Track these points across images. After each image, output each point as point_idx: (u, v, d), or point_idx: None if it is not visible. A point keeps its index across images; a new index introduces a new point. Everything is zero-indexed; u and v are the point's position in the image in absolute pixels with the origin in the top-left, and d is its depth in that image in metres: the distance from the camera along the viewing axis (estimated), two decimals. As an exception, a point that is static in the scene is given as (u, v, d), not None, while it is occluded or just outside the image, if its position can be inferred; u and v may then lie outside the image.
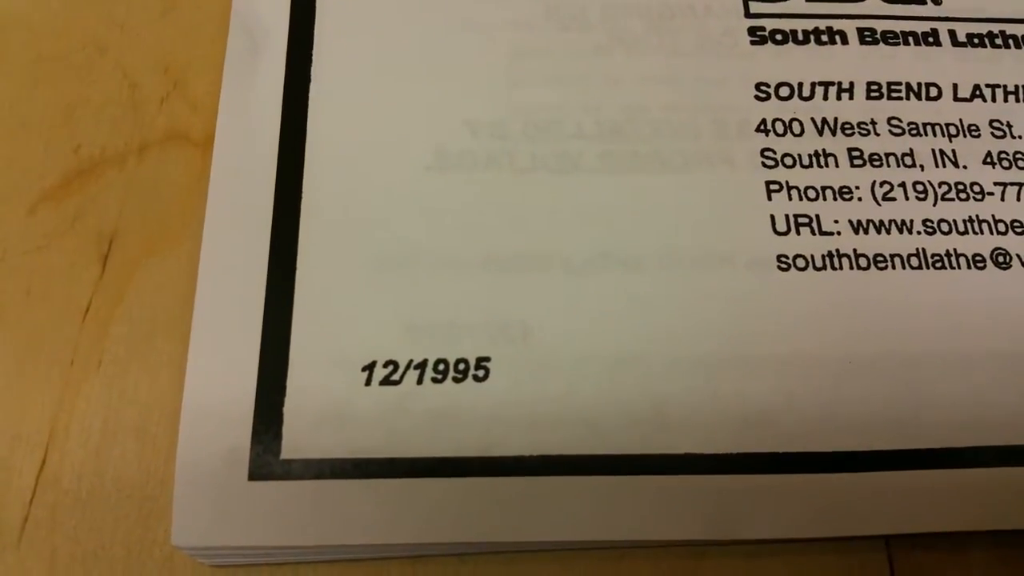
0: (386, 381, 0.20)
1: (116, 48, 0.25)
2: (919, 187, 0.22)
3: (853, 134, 0.22)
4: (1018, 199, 0.22)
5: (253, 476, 0.19)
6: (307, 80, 0.23)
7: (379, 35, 0.23)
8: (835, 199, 0.22)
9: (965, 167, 0.22)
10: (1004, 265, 0.21)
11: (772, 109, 0.23)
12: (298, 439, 0.19)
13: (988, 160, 0.22)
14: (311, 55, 0.23)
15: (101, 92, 0.24)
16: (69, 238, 0.23)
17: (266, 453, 0.19)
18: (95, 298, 0.22)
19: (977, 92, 0.23)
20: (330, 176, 0.22)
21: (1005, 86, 0.23)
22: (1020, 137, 0.23)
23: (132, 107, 0.24)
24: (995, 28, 0.24)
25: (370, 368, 0.20)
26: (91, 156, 0.24)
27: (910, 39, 0.24)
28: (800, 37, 0.23)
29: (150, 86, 0.25)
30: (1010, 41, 0.24)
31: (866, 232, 0.21)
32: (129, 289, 0.22)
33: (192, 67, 0.25)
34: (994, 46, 0.24)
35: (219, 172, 0.22)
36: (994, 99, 0.23)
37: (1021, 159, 0.22)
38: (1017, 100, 0.23)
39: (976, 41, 0.24)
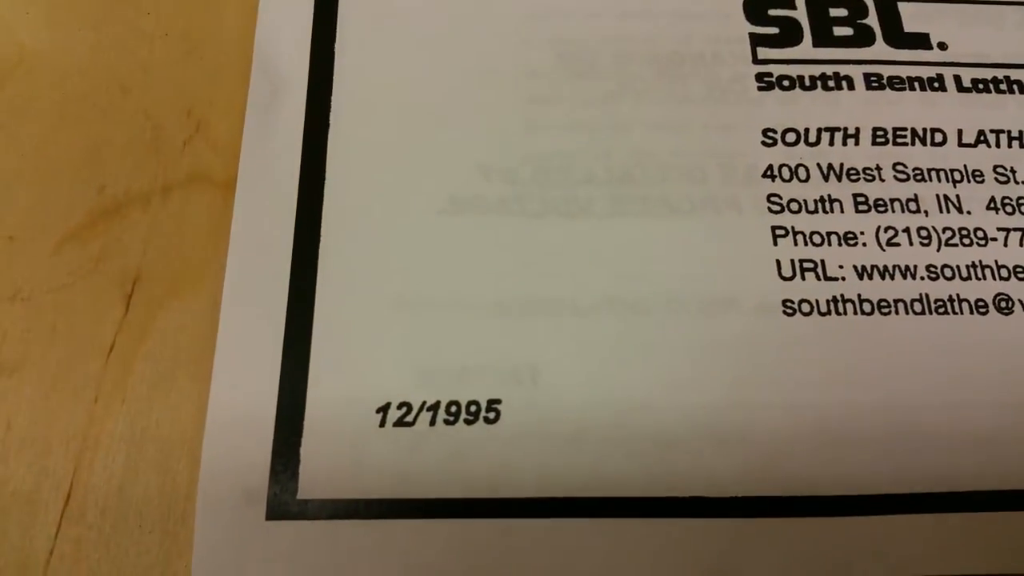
0: (400, 422, 0.20)
1: (140, 89, 0.26)
2: (923, 232, 0.22)
3: (858, 180, 0.23)
4: (1021, 244, 0.22)
5: (271, 515, 0.19)
6: (326, 125, 0.24)
7: (396, 81, 0.24)
8: (840, 244, 0.22)
9: (969, 212, 0.23)
10: (1007, 311, 0.22)
11: (779, 155, 0.23)
12: (314, 480, 0.20)
13: (992, 206, 0.23)
14: (330, 101, 0.24)
15: (126, 133, 0.25)
16: (93, 277, 0.23)
17: (283, 493, 0.19)
18: (119, 337, 0.23)
19: (981, 137, 0.23)
20: (348, 219, 0.22)
21: (1009, 131, 0.24)
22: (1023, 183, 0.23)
23: (156, 148, 0.25)
24: (999, 73, 0.24)
25: (384, 409, 0.20)
26: (115, 196, 0.24)
27: (916, 84, 0.24)
28: (807, 83, 0.24)
29: (173, 127, 0.25)
30: (1014, 87, 0.24)
31: (870, 278, 0.22)
32: (152, 328, 0.23)
33: (215, 109, 0.25)
34: (998, 91, 0.24)
35: (241, 214, 0.23)
36: (998, 144, 0.23)
37: (1025, 204, 0.23)
38: (1021, 145, 0.23)
39: (981, 87, 0.24)
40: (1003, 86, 0.24)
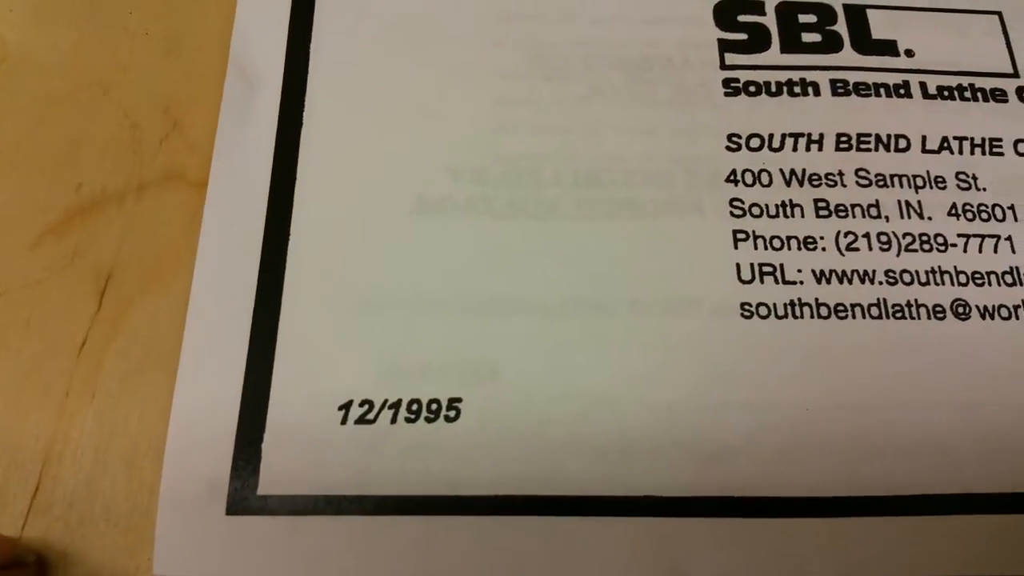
0: (361, 420, 0.20)
1: (119, 87, 0.26)
2: (883, 238, 0.23)
3: (820, 185, 0.23)
4: (980, 251, 0.23)
5: (231, 510, 0.20)
6: (299, 124, 0.24)
7: (370, 81, 0.24)
8: (799, 249, 0.22)
9: (930, 218, 0.23)
10: (964, 316, 0.22)
11: (742, 160, 0.23)
12: (275, 475, 0.20)
13: (953, 212, 0.23)
14: (304, 100, 0.24)
15: (104, 131, 0.26)
16: (68, 273, 0.24)
17: (244, 488, 0.20)
18: (91, 332, 0.23)
19: (945, 144, 0.24)
20: (317, 219, 0.23)
21: (972, 138, 0.24)
22: (985, 189, 0.23)
23: (133, 146, 0.25)
24: (965, 81, 0.25)
25: (346, 407, 0.21)
26: (92, 194, 0.25)
27: (881, 91, 0.24)
28: (773, 89, 0.24)
29: (151, 126, 0.26)
30: (979, 94, 0.25)
31: (828, 282, 0.22)
32: (124, 324, 0.23)
33: (191, 108, 0.26)
34: (963, 99, 0.24)
35: (212, 212, 0.23)
36: (961, 151, 0.24)
37: (985, 211, 0.23)
38: (984, 152, 0.24)
39: (946, 93, 0.24)
40: (968, 93, 0.24)
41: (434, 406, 0.21)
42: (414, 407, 0.21)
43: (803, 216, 0.23)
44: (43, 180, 0.25)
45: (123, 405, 0.22)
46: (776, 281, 0.22)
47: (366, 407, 0.21)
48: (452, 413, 0.21)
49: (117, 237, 0.24)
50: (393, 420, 0.20)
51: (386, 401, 0.21)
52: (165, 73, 0.26)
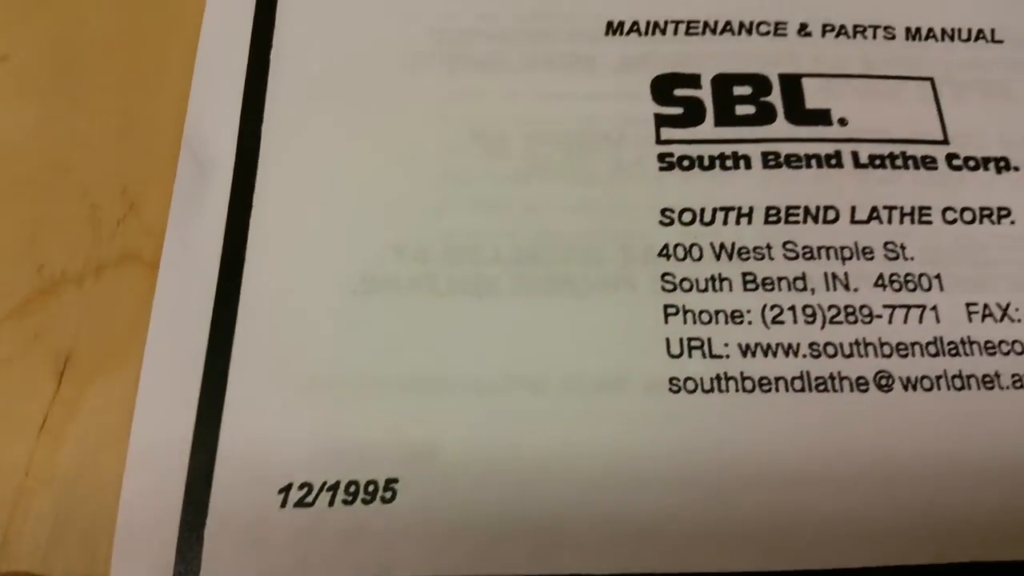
0: (300, 503, 0.21)
1: (79, 168, 0.27)
2: (808, 311, 0.23)
3: (748, 259, 0.24)
4: (905, 321, 0.23)
5: (174, 598, 0.21)
6: (249, 206, 0.25)
7: (318, 162, 0.25)
8: (727, 323, 0.23)
9: (856, 290, 0.24)
10: (886, 388, 0.23)
11: (675, 234, 0.24)
12: (217, 562, 0.21)
13: (880, 282, 0.24)
14: (254, 182, 0.25)
15: (64, 212, 0.27)
16: (29, 355, 0.25)
17: (187, 574, 0.21)
18: (51, 413, 0.24)
19: (874, 214, 0.24)
20: (264, 299, 0.24)
21: (902, 207, 0.25)
22: (913, 259, 0.24)
23: (92, 227, 0.26)
24: (896, 149, 0.25)
25: (287, 490, 0.21)
26: (52, 276, 0.26)
27: (813, 162, 0.25)
28: (706, 163, 0.25)
29: (109, 206, 0.27)
30: (909, 162, 0.25)
31: (753, 355, 0.23)
32: (81, 406, 0.24)
33: (147, 188, 0.27)
34: (894, 167, 0.25)
35: (162, 294, 0.24)
36: (890, 221, 0.24)
37: (911, 281, 0.24)
38: (912, 221, 0.24)
39: (877, 162, 0.25)
40: (899, 161, 0.25)
41: (371, 487, 0.21)
42: (352, 489, 0.21)
43: (731, 290, 0.23)
44: (5, 263, 0.26)
45: (80, 487, 0.23)
46: (704, 355, 0.23)
47: (305, 489, 0.21)
48: (388, 494, 0.21)
49: (76, 318, 0.25)
50: (331, 503, 0.21)
51: (325, 483, 0.21)
52: (122, 152, 0.27)
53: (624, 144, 0.25)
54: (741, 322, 0.23)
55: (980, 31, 0.27)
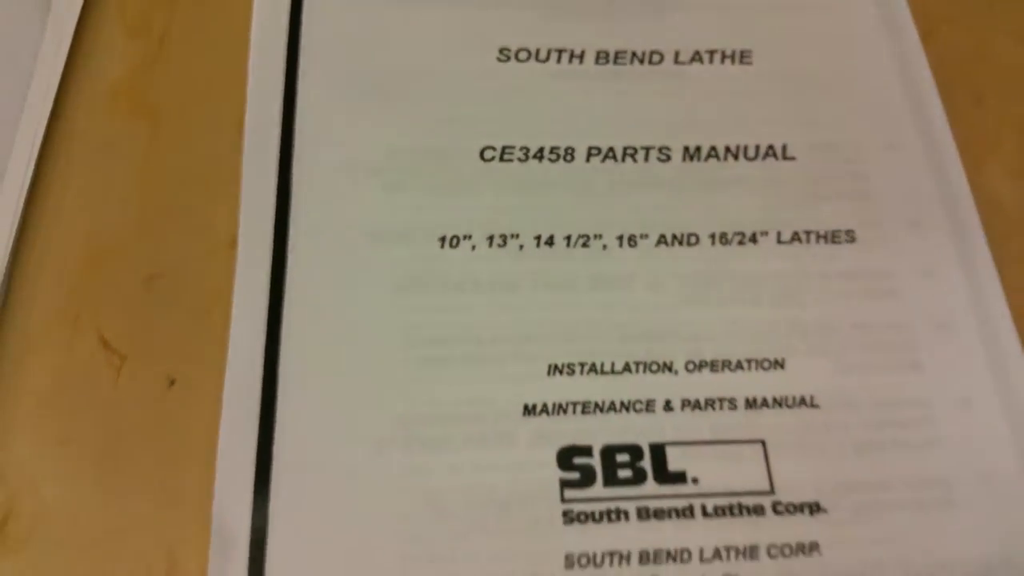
0: None
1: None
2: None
3: (626, 600, 0.33)
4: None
5: None
6: None
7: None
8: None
9: (706, 621, 0.33)
10: None
11: (575, 576, 0.34)
12: None
13: (721, 609, 0.33)
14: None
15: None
16: None
17: None
18: None
19: (716, 554, 0.34)
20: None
21: (736, 547, 0.34)
22: (751, 590, 0.33)
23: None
24: (734, 500, 0.35)
25: None
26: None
27: (673, 513, 0.35)
28: (597, 517, 0.35)
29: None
30: (744, 510, 0.35)
31: None
32: None
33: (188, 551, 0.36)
34: (732, 515, 0.35)
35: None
36: (728, 558, 0.34)
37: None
38: (745, 558, 0.34)
39: (720, 511, 0.35)
40: (736, 510, 0.35)
41: None
42: None
43: (614, 622, 0.33)
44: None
45: None
46: None
47: None
48: None
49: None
50: None
51: None
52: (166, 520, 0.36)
53: (537, 503, 0.35)
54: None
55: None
